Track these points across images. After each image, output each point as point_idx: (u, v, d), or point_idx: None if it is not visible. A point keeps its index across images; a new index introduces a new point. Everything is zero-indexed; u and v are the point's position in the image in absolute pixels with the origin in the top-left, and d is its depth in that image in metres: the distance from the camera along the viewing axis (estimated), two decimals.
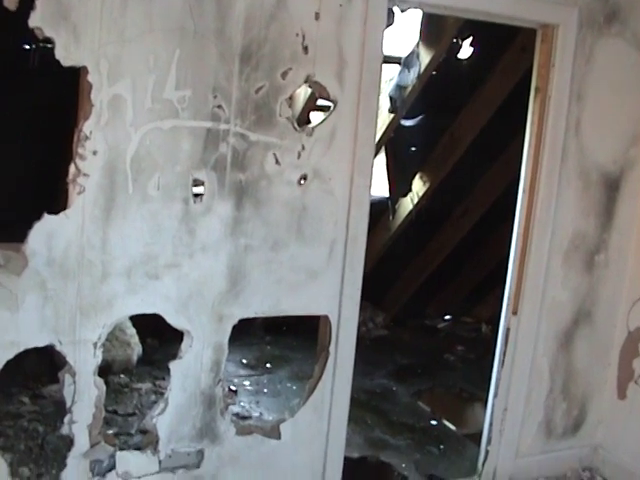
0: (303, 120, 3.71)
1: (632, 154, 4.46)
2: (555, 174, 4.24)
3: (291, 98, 3.59)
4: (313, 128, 3.63)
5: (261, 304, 3.72)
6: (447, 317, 8.29)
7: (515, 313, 4.36)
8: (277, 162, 3.59)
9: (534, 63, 4.21)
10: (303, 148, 3.62)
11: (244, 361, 6.59)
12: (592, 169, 4.37)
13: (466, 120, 6.21)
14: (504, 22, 4.08)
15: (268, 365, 6.61)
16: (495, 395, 4.48)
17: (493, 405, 4.50)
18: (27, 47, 5.03)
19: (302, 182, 3.65)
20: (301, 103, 4.83)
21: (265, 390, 6.06)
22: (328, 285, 3.83)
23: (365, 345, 6.79)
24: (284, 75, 3.52)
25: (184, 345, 3.62)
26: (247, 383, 6.15)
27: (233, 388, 5.97)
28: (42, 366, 5.08)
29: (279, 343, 6.87)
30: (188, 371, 3.65)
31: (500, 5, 3.96)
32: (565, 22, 4.08)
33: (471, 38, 5.84)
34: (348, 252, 3.82)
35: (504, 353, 4.41)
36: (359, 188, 3.78)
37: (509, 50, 5.68)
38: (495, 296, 7.17)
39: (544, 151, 4.20)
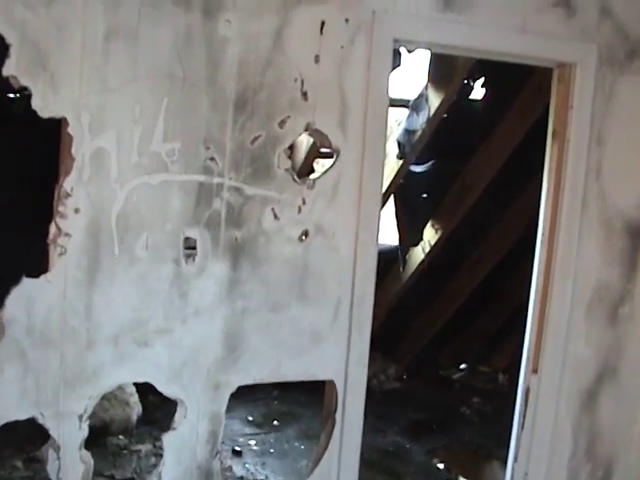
0: (306, 169, 3.52)
1: None
2: (575, 222, 4.02)
3: (292, 146, 3.41)
4: (314, 180, 3.44)
5: (261, 370, 3.51)
6: (462, 367, 8.08)
7: (535, 372, 4.13)
8: (276, 217, 3.39)
9: (550, 105, 4.02)
10: (304, 202, 3.42)
11: (250, 418, 6.40)
12: (614, 216, 4.15)
13: (479, 165, 6.04)
14: (518, 62, 3.90)
15: (275, 422, 6.44)
16: (515, 459, 4.24)
17: (513, 469, 4.26)
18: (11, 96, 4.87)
19: (303, 238, 3.46)
20: (303, 151, 4.64)
21: (272, 450, 5.88)
22: (333, 348, 3.61)
23: (376, 399, 6.58)
24: (282, 124, 3.33)
25: (178, 416, 3.42)
26: (253, 442, 5.97)
27: (238, 449, 5.77)
28: (37, 427, 4.89)
29: (287, 398, 6.64)
30: (183, 443, 3.43)
31: (513, 44, 3.77)
32: (583, 61, 3.88)
33: (483, 79, 5.67)
34: (354, 313, 3.60)
35: (524, 415, 4.17)
36: (365, 244, 3.57)
37: (524, 91, 5.52)
38: (512, 344, 7.02)
39: (563, 198, 3.98)
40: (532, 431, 4.19)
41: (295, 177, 3.39)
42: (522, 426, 4.19)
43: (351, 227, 3.54)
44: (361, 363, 3.68)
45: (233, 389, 3.46)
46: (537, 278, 4.10)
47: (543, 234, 4.08)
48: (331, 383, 3.67)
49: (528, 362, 4.16)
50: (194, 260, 3.28)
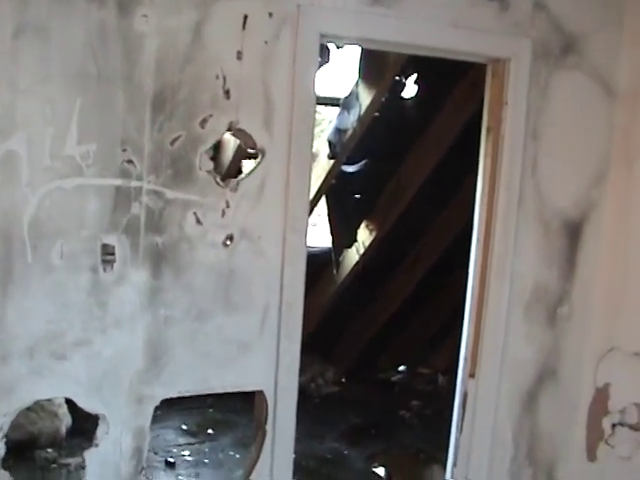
0: (234, 171, 3.42)
1: (594, 196, 4.19)
2: (512, 221, 3.97)
3: (219, 147, 3.31)
4: (238, 182, 3.34)
5: (186, 382, 3.40)
6: (401, 368, 8.03)
7: (473, 376, 4.08)
8: (198, 222, 3.29)
9: (485, 101, 3.96)
10: (228, 205, 3.32)
11: (184, 427, 6.29)
12: (552, 214, 4.11)
13: (413, 164, 5.99)
14: (450, 57, 3.84)
15: (210, 431, 6.32)
16: (454, 464, 4.20)
17: (452, 474, 4.21)
18: None
19: (228, 243, 3.35)
20: (231, 152, 4.53)
21: (206, 460, 5.77)
22: (262, 357, 3.51)
23: (314, 404, 6.55)
24: (203, 123, 3.23)
25: (99, 431, 3.31)
26: (187, 453, 5.86)
27: (171, 460, 5.65)
28: None
29: (222, 406, 6.50)
30: (106, 460, 3.31)
31: (445, 39, 3.70)
32: (517, 55, 3.83)
33: (416, 75, 5.60)
34: (283, 319, 3.51)
35: (462, 419, 4.13)
36: (293, 247, 3.48)
37: (457, 87, 5.47)
38: (451, 345, 6.97)
39: (499, 196, 3.94)
40: (471, 435, 4.15)
41: (218, 179, 3.29)
42: (461, 430, 4.14)
43: (278, 230, 3.44)
44: (291, 371, 3.58)
45: (157, 402, 3.35)
46: (473, 279, 4.05)
47: (478, 233, 4.02)
48: (260, 393, 3.57)
49: (465, 365, 4.11)
50: (112, 268, 3.17)
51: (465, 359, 4.12)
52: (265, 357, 3.52)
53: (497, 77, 3.88)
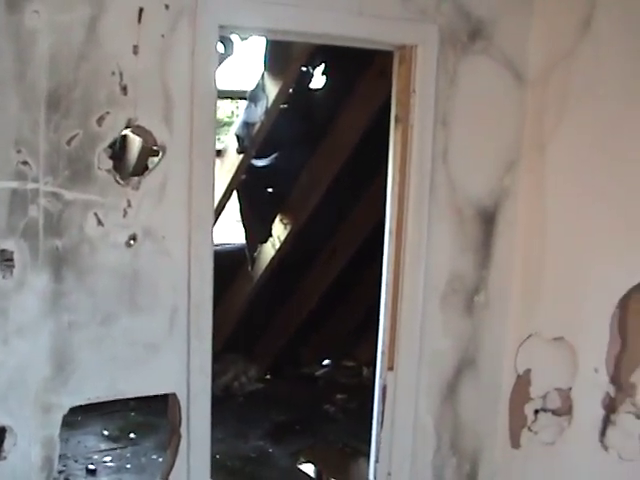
0: (140, 169, 3.36)
1: (507, 183, 4.22)
2: (424, 211, 3.98)
3: (124, 145, 3.25)
4: (140, 180, 3.28)
5: (95, 388, 3.34)
6: (325, 362, 8.04)
7: (391, 369, 4.09)
8: (100, 223, 3.22)
9: (393, 89, 3.96)
10: (129, 204, 3.26)
11: (105, 432, 6.21)
12: (465, 202, 4.13)
13: (325, 155, 5.97)
14: (355, 45, 3.82)
15: (132, 435, 6.25)
16: (376, 459, 4.20)
17: (375, 470, 4.22)
18: None
19: (131, 244, 3.29)
20: (136, 150, 4.45)
21: (128, 465, 5.71)
22: (172, 359, 3.47)
23: (238, 402, 6.51)
24: (100, 121, 3.16)
25: (7, 443, 3.21)
26: (108, 459, 5.79)
27: (92, 467, 5.58)
28: None
29: (144, 408, 6.39)
30: (15, 473, 3.23)
31: (349, 27, 3.68)
32: (424, 42, 3.83)
33: (323, 65, 5.57)
34: (192, 320, 3.46)
35: (382, 413, 4.14)
36: (199, 246, 3.43)
37: (366, 76, 5.46)
38: (374, 337, 7.00)
39: (410, 186, 3.94)
40: (392, 429, 4.16)
41: (118, 178, 3.23)
42: (381, 425, 4.15)
43: (183, 228, 3.40)
44: (204, 372, 3.54)
45: (65, 411, 3.28)
46: (387, 272, 4.06)
47: (391, 224, 4.02)
48: (173, 396, 3.53)
49: (383, 359, 4.12)
50: (12, 274, 3.08)
51: (383, 352, 4.12)
52: (175, 359, 3.47)
53: (404, 65, 3.87)
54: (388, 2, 3.73)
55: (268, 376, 7.56)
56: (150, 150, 3.41)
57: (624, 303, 3.75)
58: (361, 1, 3.65)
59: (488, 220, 4.21)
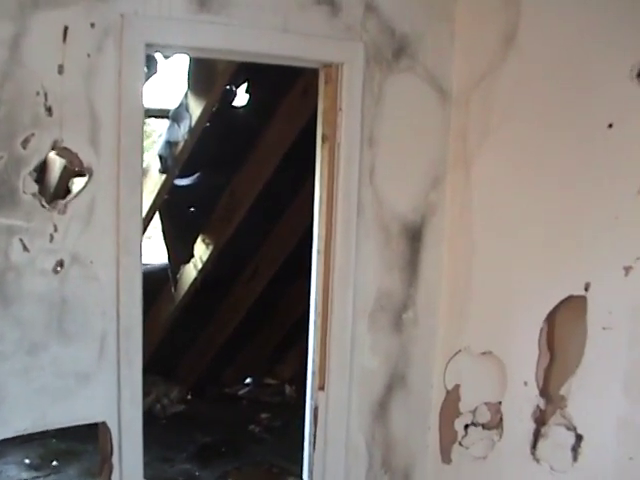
0: (62, 192, 3.24)
1: (433, 199, 4.19)
2: (352, 230, 3.92)
3: (45, 167, 3.12)
4: (66, 204, 3.16)
5: (22, 420, 3.21)
6: (247, 381, 7.94)
7: (322, 389, 4.02)
8: (25, 249, 3.10)
9: (319, 108, 3.90)
10: (56, 229, 3.14)
11: (27, 461, 6.01)
12: (392, 219, 4.09)
13: (248, 174, 5.90)
14: (281, 63, 3.76)
15: (55, 463, 6.05)
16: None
17: None
18: None
19: (59, 269, 3.18)
20: (57, 172, 4.33)
21: None
22: (102, 387, 3.35)
23: (161, 425, 6.38)
24: (25, 143, 3.04)
25: None
26: None
27: None
28: None
29: (66, 435, 6.14)
30: None
31: (274, 45, 3.62)
32: (350, 60, 3.78)
33: (246, 83, 5.50)
34: (122, 346, 3.35)
35: (314, 434, 4.06)
36: (128, 269, 3.33)
37: (289, 94, 5.40)
38: (295, 354, 6.96)
39: (337, 205, 3.88)
40: (324, 449, 4.09)
41: (44, 202, 3.10)
42: (314, 446, 4.08)
43: (111, 252, 3.29)
44: (134, 400, 3.43)
45: None
46: (316, 292, 3.99)
47: (319, 244, 3.96)
48: (104, 425, 3.41)
49: (314, 379, 4.04)
50: None
51: (313, 373, 4.05)
52: (105, 387, 3.36)
53: (330, 83, 3.82)
54: (314, 19, 3.68)
55: (189, 397, 7.44)
56: (72, 171, 3.29)
57: (551, 317, 3.75)
58: (286, 18, 3.59)
59: (415, 237, 4.18)
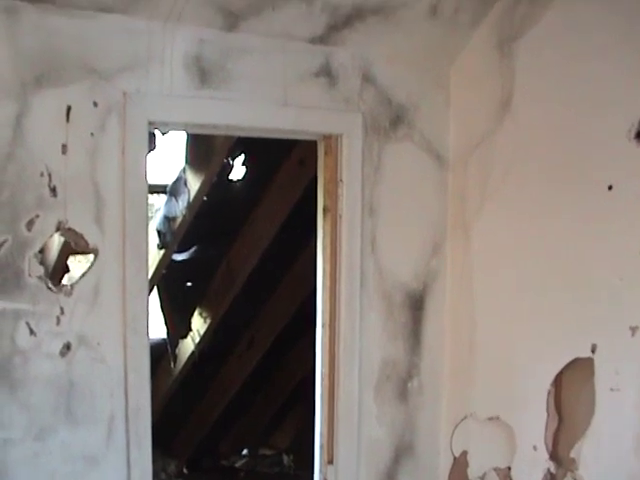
0: (60, 269, 3.17)
1: (433, 265, 4.15)
2: (356, 301, 3.87)
3: (43, 249, 3.05)
4: (72, 285, 3.10)
5: None
6: (244, 452, 7.79)
7: (331, 462, 3.93)
8: (32, 332, 3.02)
9: (319, 179, 3.86)
10: (62, 311, 3.08)
11: None
12: (394, 288, 4.04)
13: (244, 246, 5.85)
14: (282, 137, 3.75)
15: None
16: None
17: None
18: None
19: (65, 352, 3.10)
20: (56, 249, 4.24)
21: None
22: (112, 470, 3.25)
23: None
24: (30, 225, 2.99)
25: None
26: None
27: None
28: None
29: None
30: None
31: (274, 119, 3.60)
32: (349, 131, 3.76)
33: (243, 156, 5.48)
34: (131, 427, 3.27)
35: None
36: (135, 349, 3.26)
37: (285, 165, 5.37)
38: (292, 423, 6.84)
39: (341, 277, 3.83)
40: None
41: (50, 284, 3.04)
42: None
43: (118, 333, 3.23)
44: None
45: None
46: (321, 364, 3.92)
47: (323, 316, 3.90)
48: None
49: (322, 452, 3.96)
50: None
51: (321, 446, 3.96)
52: (115, 470, 3.27)
53: (330, 154, 3.79)
54: (313, 91, 3.67)
55: (185, 471, 7.29)
56: (71, 248, 3.22)
57: (558, 379, 3.69)
58: (286, 91, 3.58)
59: (417, 305, 4.13)
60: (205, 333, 6.28)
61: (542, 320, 3.76)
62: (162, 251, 5.41)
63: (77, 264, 3.27)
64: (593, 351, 3.52)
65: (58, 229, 3.07)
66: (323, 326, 3.90)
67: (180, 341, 6.42)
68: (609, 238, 3.48)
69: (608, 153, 3.46)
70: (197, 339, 6.31)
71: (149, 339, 3.35)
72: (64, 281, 3.12)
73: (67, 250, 3.62)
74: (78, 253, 3.29)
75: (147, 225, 3.31)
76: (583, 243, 3.58)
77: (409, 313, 4.11)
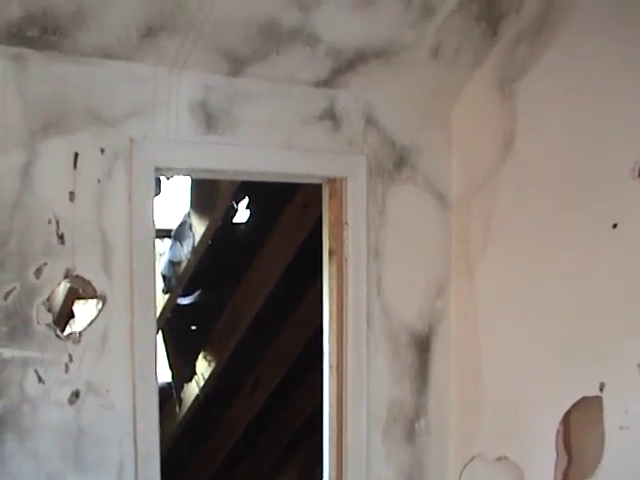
0: (64, 316, 3.14)
1: (438, 306, 4.14)
2: (363, 343, 3.84)
3: (50, 296, 3.03)
4: (80, 333, 3.07)
5: None
6: None
7: None
8: (40, 380, 2.99)
9: (324, 222, 3.85)
10: (71, 359, 3.04)
11: None
12: (399, 330, 4.02)
13: (248, 289, 5.84)
14: (287, 180, 3.73)
15: None
16: None
17: None
18: None
19: (74, 400, 3.07)
20: (61, 295, 4.23)
21: None
22: None
23: None
24: (38, 273, 2.97)
25: None
26: None
27: None
28: None
29: None
30: None
31: (279, 163, 3.59)
32: (353, 173, 3.75)
33: (247, 200, 5.48)
34: (140, 475, 3.23)
35: None
36: (144, 396, 3.23)
37: (289, 208, 5.36)
38: (296, 464, 6.78)
39: (347, 319, 3.80)
40: None
41: (58, 332, 3.02)
42: None
43: (126, 379, 3.19)
44: None
45: None
46: (329, 406, 3.88)
47: (330, 358, 3.87)
48: None
49: None
50: None
51: None
52: None
53: (335, 197, 3.78)
54: (317, 134, 3.67)
55: None
56: (77, 293, 3.20)
57: (566, 418, 3.66)
58: (291, 135, 3.58)
59: (423, 345, 4.11)
60: (210, 376, 6.24)
61: (549, 360, 3.74)
62: (167, 295, 5.39)
63: (82, 310, 3.25)
64: (601, 389, 3.49)
65: (66, 276, 3.05)
66: (330, 368, 3.86)
67: (185, 385, 6.38)
68: (614, 276, 3.46)
69: (612, 191, 3.46)
70: (202, 382, 6.27)
71: (158, 385, 3.31)
72: (72, 328, 3.09)
73: (72, 295, 3.61)
74: (84, 298, 3.28)
75: (155, 271, 3.28)
76: (588, 281, 3.56)
77: (415, 354, 4.09)
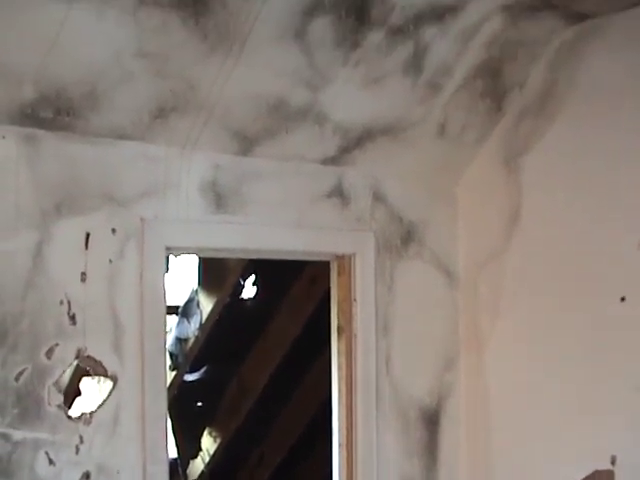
0: (71, 393, 3.10)
1: (447, 380, 4.12)
2: (372, 420, 3.81)
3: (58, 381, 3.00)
4: (91, 414, 3.02)
5: None
6: None
7: None
8: (51, 462, 2.92)
9: (332, 298, 3.83)
10: (82, 440, 2.99)
11: None
12: (409, 405, 3.99)
13: (254, 364, 5.81)
14: (294, 258, 3.74)
15: None
16: None
17: None
18: None
19: None
20: (68, 373, 4.19)
21: None
22: None
23: None
24: (49, 353, 2.93)
25: None
26: None
27: None
28: None
29: None
30: None
31: (288, 241, 3.60)
32: (362, 250, 3.76)
33: (254, 276, 5.47)
34: None
35: None
36: (155, 478, 3.17)
37: (296, 284, 5.35)
38: None
39: (357, 397, 3.77)
40: None
41: (69, 413, 2.97)
42: None
43: (137, 461, 3.13)
44: None
45: None
46: None
47: (340, 436, 3.82)
48: None
49: None
50: None
51: None
52: None
53: (343, 274, 3.77)
54: (325, 212, 3.68)
55: None
56: (84, 371, 3.16)
57: None
58: (300, 213, 3.59)
59: (432, 420, 4.08)
60: (215, 452, 6.17)
61: (560, 434, 3.73)
62: (173, 372, 5.35)
63: (91, 388, 3.21)
64: (613, 463, 3.48)
65: (77, 357, 3.02)
66: (340, 446, 3.81)
67: (191, 461, 6.30)
68: (623, 349, 3.48)
69: (620, 265, 3.48)
70: (207, 459, 6.20)
71: (168, 468, 3.26)
72: (82, 408, 3.04)
73: (79, 373, 3.58)
74: (90, 375, 3.25)
75: (165, 351, 3.26)
76: (597, 355, 3.57)
77: (424, 429, 4.06)
